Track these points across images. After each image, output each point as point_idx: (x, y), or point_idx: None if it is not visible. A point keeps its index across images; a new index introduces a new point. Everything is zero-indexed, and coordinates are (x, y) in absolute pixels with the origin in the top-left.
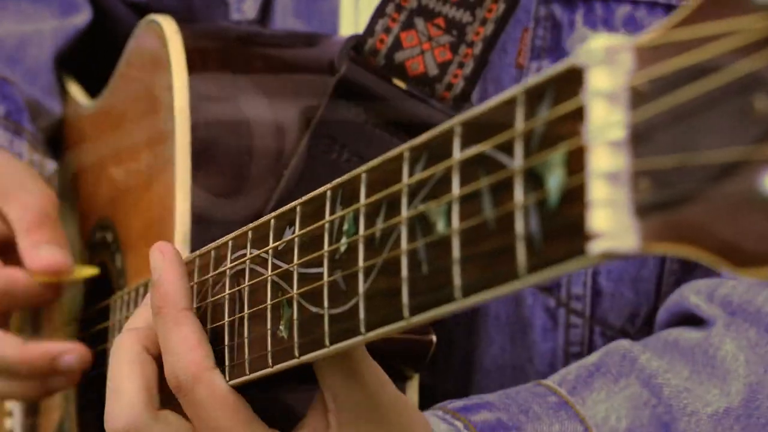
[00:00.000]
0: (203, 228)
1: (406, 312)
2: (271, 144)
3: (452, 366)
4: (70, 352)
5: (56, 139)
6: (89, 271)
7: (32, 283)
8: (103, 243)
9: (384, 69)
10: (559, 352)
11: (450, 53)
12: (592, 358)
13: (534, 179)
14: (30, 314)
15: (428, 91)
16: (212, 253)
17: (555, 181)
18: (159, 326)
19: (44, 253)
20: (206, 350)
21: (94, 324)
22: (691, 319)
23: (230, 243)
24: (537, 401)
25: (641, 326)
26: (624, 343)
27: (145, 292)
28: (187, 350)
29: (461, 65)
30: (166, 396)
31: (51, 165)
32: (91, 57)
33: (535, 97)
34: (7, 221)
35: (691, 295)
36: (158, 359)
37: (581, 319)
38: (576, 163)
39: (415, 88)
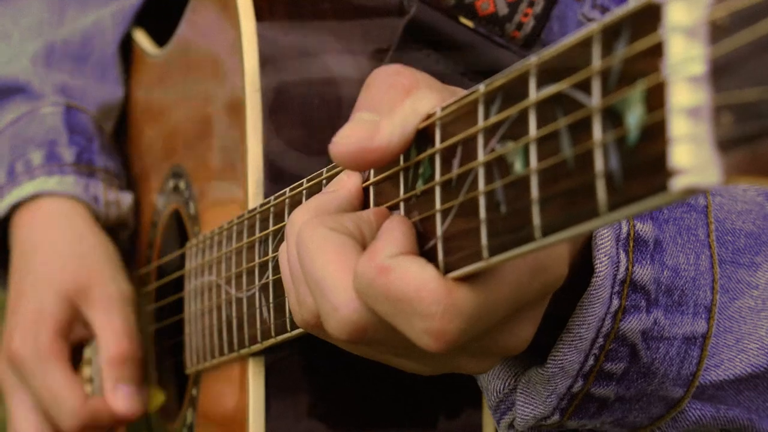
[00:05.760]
0: (276, 175)
1: (485, 252)
2: (341, 90)
3: None
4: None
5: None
6: (159, 399)
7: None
8: (177, 190)
9: (454, 9)
10: None
11: None
12: None
13: (613, 117)
14: None
15: (498, 30)
16: (287, 200)
17: (634, 118)
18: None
19: (121, 398)
20: None
21: (169, 270)
22: None
23: (304, 192)
24: None
25: None
26: None
27: (220, 239)
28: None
29: (531, 4)
30: None
31: (126, 198)
32: (159, 4)
33: (611, 34)
34: (89, 327)
35: None
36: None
37: None
38: (655, 99)
39: (485, 28)
